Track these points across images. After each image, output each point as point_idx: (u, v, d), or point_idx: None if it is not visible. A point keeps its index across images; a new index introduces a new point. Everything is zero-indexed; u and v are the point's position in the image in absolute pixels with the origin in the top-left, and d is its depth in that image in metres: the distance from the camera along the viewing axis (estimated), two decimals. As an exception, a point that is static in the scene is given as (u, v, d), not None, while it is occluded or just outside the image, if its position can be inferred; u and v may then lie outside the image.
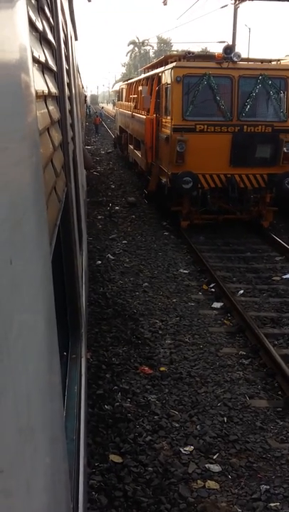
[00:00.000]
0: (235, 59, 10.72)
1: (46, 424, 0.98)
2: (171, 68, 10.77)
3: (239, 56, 10.79)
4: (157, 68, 13.42)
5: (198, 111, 10.75)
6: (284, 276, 9.10)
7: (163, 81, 11.82)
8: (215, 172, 10.84)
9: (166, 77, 11.36)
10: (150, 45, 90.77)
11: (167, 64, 11.76)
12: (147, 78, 14.78)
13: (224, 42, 17.12)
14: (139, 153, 15.24)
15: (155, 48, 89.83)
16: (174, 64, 10.87)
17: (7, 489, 0.65)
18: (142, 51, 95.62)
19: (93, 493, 3.96)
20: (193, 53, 11.60)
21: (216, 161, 10.77)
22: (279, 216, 12.39)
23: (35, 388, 0.87)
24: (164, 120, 11.70)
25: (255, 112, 10.99)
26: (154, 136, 12.66)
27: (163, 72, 11.87)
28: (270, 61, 11.85)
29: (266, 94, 10.95)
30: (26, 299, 0.84)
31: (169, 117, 11.05)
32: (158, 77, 12.59)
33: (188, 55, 11.34)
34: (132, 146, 17.59)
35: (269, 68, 11.17)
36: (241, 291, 8.40)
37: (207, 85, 10.62)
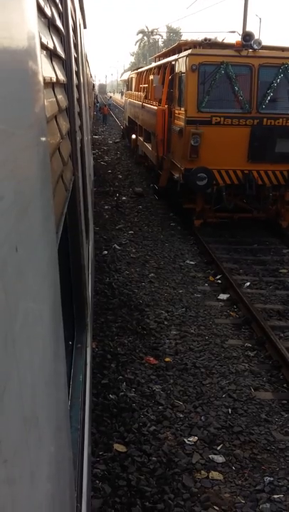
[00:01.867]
0: (255, 46, 9.99)
1: (51, 413, 0.98)
2: (186, 56, 10.02)
3: (260, 44, 10.03)
4: (170, 56, 12.70)
5: (214, 102, 10.07)
6: (291, 269, 9.06)
7: (177, 70, 11.06)
8: (231, 168, 10.17)
9: (180, 66, 10.62)
10: (159, 35, 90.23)
11: (180, 52, 11.15)
12: (159, 67, 14.04)
13: (234, 32, 16.94)
14: (149, 146, 14.58)
15: (164, 37, 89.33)
16: (189, 51, 10.14)
17: (11, 478, 0.65)
18: (150, 40, 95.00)
19: (97, 481, 3.98)
20: (210, 40, 10.88)
21: (233, 156, 10.10)
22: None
23: (41, 377, 0.87)
24: (177, 111, 11.03)
25: (276, 103, 10.21)
26: (166, 128, 11.98)
27: (176, 60, 11.12)
28: None
29: (288, 84, 10.17)
30: (32, 287, 0.83)
31: (182, 108, 10.35)
32: (171, 66, 11.87)
33: (204, 42, 10.70)
34: (141, 138, 16.84)
35: None
36: (248, 283, 8.38)
37: (224, 74, 9.93)
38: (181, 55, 10.63)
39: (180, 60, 10.73)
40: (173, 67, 11.53)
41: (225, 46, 10.81)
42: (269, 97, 10.07)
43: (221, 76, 9.89)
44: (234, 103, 10.12)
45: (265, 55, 10.13)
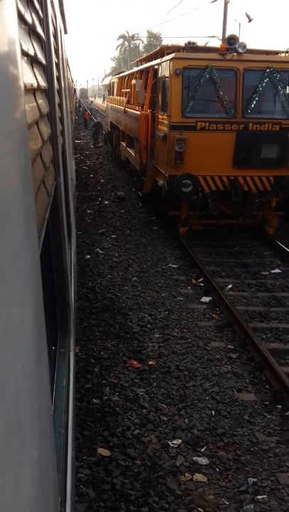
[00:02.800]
0: (240, 50, 9.73)
1: (34, 418, 0.98)
2: (170, 60, 9.78)
3: (244, 47, 9.75)
4: (152, 61, 12.57)
5: (199, 107, 9.85)
6: (272, 271, 9.15)
7: (160, 74, 10.85)
8: (217, 174, 9.94)
9: (164, 70, 10.40)
10: (140, 39, 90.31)
11: (163, 56, 10.95)
12: (141, 71, 13.83)
13: (214, 37, 16.96)
14: (132, 152, 14.29)
15: (145, 42, 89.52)
16: (172, 55, 9.89)
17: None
18: (131, 45, 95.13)
19: (81, 486, 3.97)
20: (194, 43, 10.48)
21: (218, 162, 9.86)
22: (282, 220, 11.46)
23: (24, 382, 0.87)
24: (160, 117, 10.80)
25: (262, 108, 10.05)
26: (150, 133, 11.76)
27: (160, 64, 10.89)
28: (276, 53, 10.97)
29: (274, 89, 9.96)
30: (14, 293, 0.84)
31: (166, 114, 10.10)
32: (154, 70, 11.67)
33: (188, 46, 10.31)
34: (124, 144, 16.51)
35: (277, 61, 10.15)
36: (230, 286, 8.44)
37: (209, 79, 9.67)
38: (165, 58, 10.43)
39: (163, 64, 10.52)
40: (156, 71, 11.35)
41: (209, 50, 10.59)
42: (254, 102, 9.88)
43: (205, 80, 9.66)
44: (219, 108, 9.94)
45: (250, 58, 9.94)
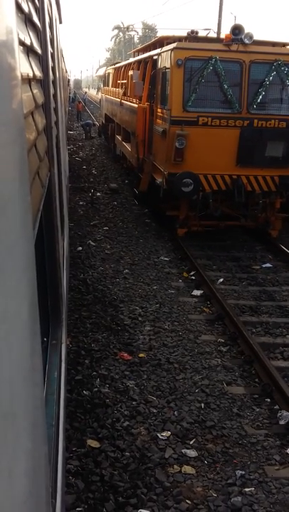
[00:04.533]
0: (246, 41, 9.08)
1: (28, 409, 0.98)
2: (171, 50, 9.13)
3: (251, 38, 9.10)
4: (150, 51, 11.88)
5: (201, 101, 9.22)
6: (263, 265, 9.19)
7: (160, 65, 10.14)
8: (219, 172, 9.38)
9: (164, 61, 9.72)
10: (135, 31, 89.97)
11: (162, 46, 10.35)
12: (139, 62, 13.03)
13: (209, 29, 16.83)
14: (128, 146, 13.68)
15: (140, 33, 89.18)
16: (174, 45, 9.23)
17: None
18: (126, 36, 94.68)
19: (70, 477, 3.99)
20: (197, 33, 9.82)
21: (221, 160, 9.31)
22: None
23: (18, 374, 0.87)
24: (159, 110, 10.17)
25: (268, 103, 9.43)
26: (147, 127, 11.16)
27: (159, 54, 10.19)
28: (283, 45, 10.31)
29: (281, 83, 9.36)
30: (10, 283, 0.84)
31: (166, 107, 9.49)
32: (153, 61, 10.99)
33: (190, 35, 9.70)
34: (119, 137, 15.75)
35: (286, 53, 9.44)
36: (221, 280, 8.47)
37: (213, 71, 9.05)
38: (166, 48, 9.80)
39: (164, 54, 9.88)
40: (155, 62, 10.73)
41: (212, 40, 9.86)
42: (260, 97, 9.31)
43: (208, 72, 9.08)
44: (223, 102, 9.33)
45: (257, 50, 9.31)
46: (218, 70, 9.08)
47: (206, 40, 10.09)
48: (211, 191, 9.47)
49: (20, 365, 0.90)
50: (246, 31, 9.16)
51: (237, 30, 9.21)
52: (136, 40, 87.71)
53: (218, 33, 21.33)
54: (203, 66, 9.05)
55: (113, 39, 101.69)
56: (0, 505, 0.71)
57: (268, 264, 9.24)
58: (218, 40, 9.86)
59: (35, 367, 1.10)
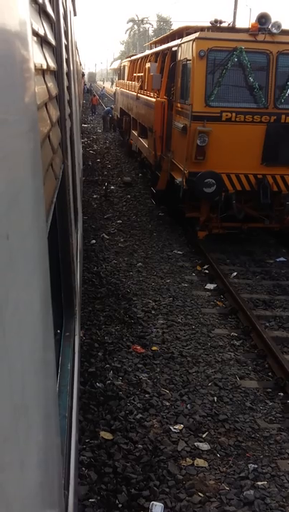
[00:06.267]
0: (274, 30, 8.45)
1: (40, 401, 0.98)
2: (193, 40, 8.52)
3: (279, 27, 8.45)
4: (169, 42, 11.20)
5: (225, 95, 8.62)
6: (277, 260, 9.13)
7: (180, 56, 9.49)
8: (243, 172, 8.78)
9: (185, 52, 9.09)
10: (149, 23, 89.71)
11: (182, 37, 9.72)
12: (157, 53, 12.33)
13: (224, 22, 16.61)
14: (145, 143, 12.90)
15: (154, 26, 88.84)
16: (196, 34, 8.59)
17: (1, 465, 0.66)
18: (141, 29, 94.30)
19: (83, 468, 4.01)
20: (221, 22, 9.10)
21: (245, 159, 8.73)
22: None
23: (30, 365, 0.87)
24: (179, 105, 9.57)
25: None
26: (166, 123, 10.54)
27: (179, 45, 9.53)
28: None
29: None
30: (23, 275, 0.83)
31: (187, 102, 8.87)
32: (172, 52, 10.30)
33: (214, 25, 9.00)
34: (135, 133, 15.03)
35: None
36: (235, 273, 8.43)
37: (238, 63, 8.46)
38: (186, 39, 9.17)
39: (184, 45, 9.22)
40: (175, 53, 10.06)
41: (237, 30, 9.25)
42: None
43: (233, 64, 8.47)
44: (248, 96, 8.71)
45: (285, 40, 8.63)
46: (244, 61, 8.50)
47: (231, 30, 9.35)
48: (234, 192, 8.87)
49: (32, 357, 0.90)
50: (273, 20, 8.55)
51: (263, 18, 8.58)
52: (150, 33, 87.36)
53: (233, 25, 21.03)
54: (227, 57, 8.45)
55: (128, 32, 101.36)
56: (12, 496, 0.71)
57: (282, 258, 9.18)
58: (243, 30, 9.04)
59: (47, 358, 1.10)
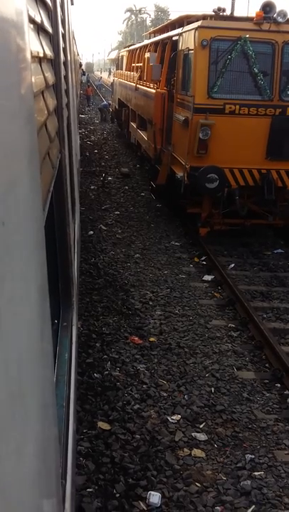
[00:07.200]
0: (279, 19, 8.15)
1: (37, 390, 0.98)
2: (195, 29, 8.16)
3: (285, 16, 8.15)
4: (169, 31, 10.84)
5: (228, 86, 8.30)
6: (275, 251, 9.13)
7: (181, 46, 9.17)
8: (246, 166, 8.48)
9: (187, 41, 8.74)
10: (147, 13, 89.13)
11: (182, 26, 9.38)
12: (157, 43, 11.93)
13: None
14: (144, 135, 12.56)
15: (152, 16, 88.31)
16: (198, 23, 8.24)
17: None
18: (138, 19, 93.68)
19: (81, 458, 4.02)
20: (224, 10, 8.70)
21: (249, 153, 8.43)
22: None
23: (27, 355, 0.87)
24: (180, 97, 9.28)
25: None
26: (166, 115, 10.26)
27: (181, 34, 9.20)
28: None
29: None
30: (19, 263, 0.82)
31: (188, 93, 8.61)
32: (172, 42, 10.01)
33: (217, 13, 8.62)
34: (134, 125, 14.74)
35: None
36: (232, 265, 8.43)
37: (242, 53, 8.13)
38: (188, 27, 8.82)
39: (186, 34, 8.87)
40: (176, 43, 9.71)
41: (241, 19, 8.93)
42: None
43: (237, 54, 8.13)
44: (252, 88, 8.39)
45: None
46: (248, 51, 8.15)
47: (234, 18, 9.00)
48: (237, 187, 8.58)
49: (29, 346, 0.90)
50: (279, 9, 8.26)
51: (268, 7, 8.28)
52: (148, 23, 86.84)
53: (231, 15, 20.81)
54: (231, 47, 8.10)
55: (125, 22, 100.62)
56: (9, 485, 0.71)
57: (280, 250, 9.18)
58: (247, 18, 8.74)
59: (45, 348, 1.09)
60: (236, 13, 9.59)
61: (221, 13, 8.70)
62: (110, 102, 26.01)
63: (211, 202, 9.06)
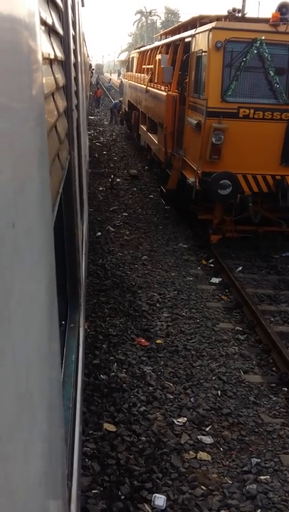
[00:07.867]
0: None
1: (44, 391, 0.98)
2: (209, 30, 7.95)
3: None
4: (181, 33, 10.64)
5: (242, 90, 8.10)
6: (283, 254, 9.09)
7: (194, 48, 8.95)
8: (260, 172, 8.28)
9: (200, 43, 8.53)
10: (157, 15, 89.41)
11: (195, 27, 9.19)
12: (168, 45, 11.72)
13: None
14: (154, 138, 12.41)
15: (162, 18, 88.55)
16: (212, 24, 8.02)
17: (5, 455, 0.65)
18: (148, 21, 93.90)
19: (86, 460, 4.02)
20: (239, 11, 8.56)
21: (263, 158, 8.23)
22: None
23: (35, 355, 0.87)
24: (192, 100, 9.07)
25: None
26: (177, 118, 10.07)
27: (194, 36, 8.97)
28: None
29: None
30: (28, 264, 0.83)
31: (201, 97, 8.39)
32: (185, 43, 9.81)
33: (231, 14, 8.43)
34: (144, 127, 14.48)
35: None
36: (240, 268, 8.40)
37: (257, 55, 7.91)
38: (202, 29, 8.59)
39: (199, 35, 8.65)
40: (188, 44, 9.50)
41: (256, 20, 8.75)
42: None
43: (252, 57, 7.94)
44: (267, 92, 8.19)
45: None
46: (264, 54, 7.92)
47: (249, 20, 8.80)
48: (250, 194, 8.37)
49: (37, 347, 0.90)
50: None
51: (284, 8, 8.09)
52: (158, 25, 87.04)
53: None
54: (246, 49, 7.89)
55: (135, 24, 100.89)
56: (16, 486, 0.71)
57: (288, 253, 9.14)
58: (263, 20, 8.51)
59: (52, 349, 1.09)
60: (247, 15, 9.45)
61: (236, 14, 8.53)
62: (121, 99, 25.85)
63: (222, 208, 8.89)
